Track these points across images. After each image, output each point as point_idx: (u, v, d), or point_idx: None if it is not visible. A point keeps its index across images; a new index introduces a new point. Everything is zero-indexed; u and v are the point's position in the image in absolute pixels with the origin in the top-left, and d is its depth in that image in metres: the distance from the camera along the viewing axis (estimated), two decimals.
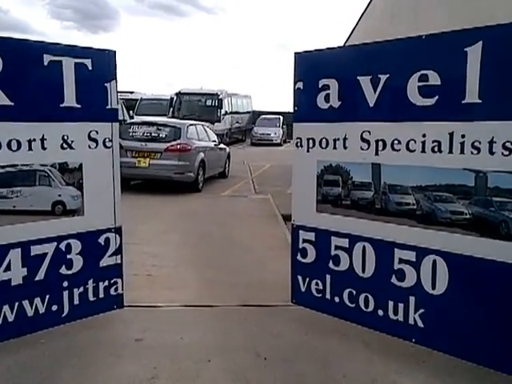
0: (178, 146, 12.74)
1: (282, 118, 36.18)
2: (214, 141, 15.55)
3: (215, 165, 15.27)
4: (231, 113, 31.89)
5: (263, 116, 36.90)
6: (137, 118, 17.13)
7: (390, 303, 4.29)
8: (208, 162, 14.09)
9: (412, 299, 4.15)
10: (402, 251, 4.16)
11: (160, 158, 12.67)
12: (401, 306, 4.22)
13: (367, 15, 17.04)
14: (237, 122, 33.49)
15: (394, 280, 4.23)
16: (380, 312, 4.37)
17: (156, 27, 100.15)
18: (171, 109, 29.81)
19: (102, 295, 4.65)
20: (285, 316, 5.15)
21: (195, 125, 14.38)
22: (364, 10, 17.30)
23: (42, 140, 4.19)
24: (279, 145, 33.95)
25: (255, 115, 37.88)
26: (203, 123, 15.66)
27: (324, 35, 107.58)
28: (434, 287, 4.01)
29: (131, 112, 30.89)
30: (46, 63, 4.15)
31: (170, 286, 6.12)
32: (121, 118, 16.05)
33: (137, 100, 31.77)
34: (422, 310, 4.12)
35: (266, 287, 6.06)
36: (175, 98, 29.93)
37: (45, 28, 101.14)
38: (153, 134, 12.94)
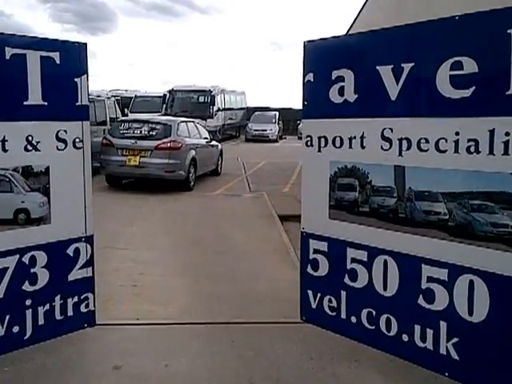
0: (169, 144, 12.19)
1: (277, 113, 35.61)
2: (206, 138, 15.00)
3: (207, 162, 14.71)
4: (224, 109, 31.32)
5: (258, 112, 36.31)
6: (130, 116, 16.45)
7: (417, 328, 3.68)
8: (199, 160, 13.53)
9: (443, 325, 3.53)
10: (432, 268, 3.55)
11: (150, 156, 12.12)
12: (430, 332, 3.61)
13: (368, 7, 16.43)
14: (230, 119, 32.91)
15: (421, 301, 3.62)
16: (404, 337, 3.76)
17: (152, 28, 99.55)
18: (164, 106, 29.26)
19: (70, 313, 4.10)
20: (285, 336, 4.56)
21: (186, 122, 13.83)
22: (364, 3, 16.68)
23: (3, 142, 3.67)
24: (275, 141, 33.37)
25: (250, 111, 37.31)
26: (194, 120, 15.09)
27: (317, 33, 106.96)
28: (471, 313, 3.39)
29: (126, 110, 30.49)
30: (7, 57, 3.64)
31: (155, 298, 5.57)
32: (113, 115, 15.51)
33: (131, 98, 31.25)
34: (455, 339, 3.49)
35: (262, 300, 5.50)
36: (168, 95, 29.37)
37: (46, 31, 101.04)
38: (143, 132, 12.38)
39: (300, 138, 35.93)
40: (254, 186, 14.49)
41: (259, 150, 26.88)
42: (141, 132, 12.38)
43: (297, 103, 45.86)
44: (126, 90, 33.09)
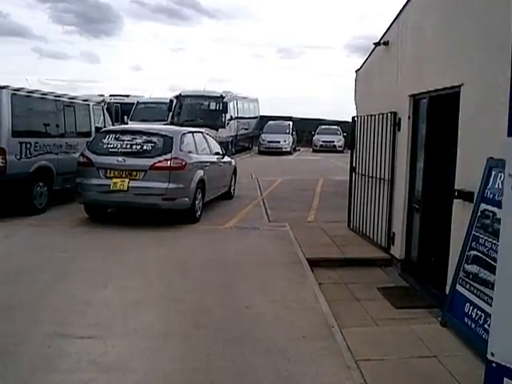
0: (169, 163, 9.31)
1: (291, 123, 32.72)
2: (218, 153, 12.13)
3: (218, 184, 11.83)
4: (237, 118, 28.45)
5: (271, 122, 33.42)
6: (120, 126, 13.43)
7: None
8: (209, 182, 10.66)
9: None
10: None
11: (143, 179, 9.25)
12: None
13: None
14: (243, 128, 30.04)
15: None
16: None
17: (158, 31, 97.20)
18: (171, 113, 26.45)
19: None
20: None
21: (193, 132, 10.92)
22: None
23: None
24: (289, 153, 30.46)
25: (263, 120, 34.46)
26: (203, 130, 12.20)
27: (323, 41, 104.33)
28: None
29: (125, 117, 27.67)
30: None
31: None
32: (99, 124, 12.58)
33: (133, 104, 28.48)
34: None
35: None
36: (175, 101, 26.51)
37: (46, 32, 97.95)
38: (135, 147, 9.51)
39: (314, 151, 33.49)
40: (272, 212, 11.61)
41: (274, 165, 24.01)
42: (132, 146, 9.51)
43: (310, 112, 43.18)
44: (128, 96, 30.25)
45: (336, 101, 78.02)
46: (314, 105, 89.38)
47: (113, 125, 13.74)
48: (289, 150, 30.63)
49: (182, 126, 23.87)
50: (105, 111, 13.48)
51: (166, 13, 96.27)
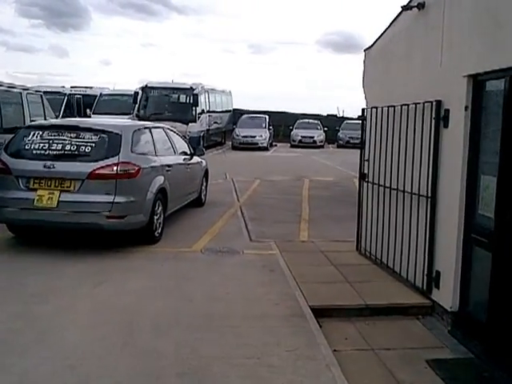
0: (115, 168, 6.76)
1: (267, 117, 30.21)
2: (184, 152, 9.60)
3: (185, 191, 9.31)
4: (209, 111, 25.86)
5: (246, 115, 30.85)
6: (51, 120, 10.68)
7: None
8: (172, 190, 8.14)
9: None
10: None
11: (80, 191, 6.67)
12: None
13: None
14: (215, 123, 27.44)
15: None
16: None
17: (128, 26, 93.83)
18: (136, 106, 23.78)
19: None
20: None
21: (150, 128, 8.34)
22: None
23: None
24: (265, 149, 27.94)
25: (236, 114, 31.88)
26: (164, 125, 9.61)
27: (295, 37, 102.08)
28: None
29: (88, 110, 24.90)
30: None
31: None
32: (37, 118, 9.84)
33: (96, 96, 25.71)
34: None
35: None
36: (140, 92, 23.81)
37: (13, 26, 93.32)
38: (69, 147, 6.90)
39: (293, 146, 31.11)
40: (253, 226, 9.16)
41: (250, 162, 21.54)
42: (64, 147, 6.89)
43: (284, 108, 40.75)
44: (91, 87, 27.37)
45: (310, 96, 76.08)
46: (288, 100, 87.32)
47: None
48: (265, 145, 28.11)
49: (148, 120, 21.34)
50: (45, 101, 10.72)
51: (134, 8, 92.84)
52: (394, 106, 6.12)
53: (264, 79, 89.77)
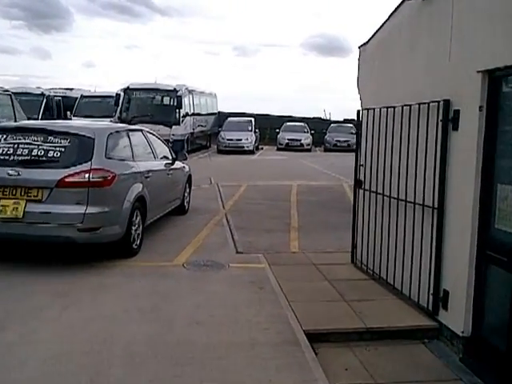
0: (87, 176, 6.11)
1: (253, 120, 29.63)
2: (166, 157, 8.98)
3: (166, 199, 8.68)
4: (193, 114, 25.22)
5: (232, 118, 30.23)
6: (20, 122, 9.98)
7: None
8: (152, 198, 7.52)
9: None
10: None
11: (48, 201, 6.01)
12: None
13: None
14: (200, 125, 26.80)
15: None
16: None
17: (111, 28, 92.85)
18: (118, 109, 23.07)
19: None
20: None
21: (128, 131, 7.71)
22: None
23: None
24: (251, 152, 27.35)
25: (221, 117, 31.25)
26: (144, 128, 8.96)
27: (282, 38, 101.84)
28: None
29: (68, 113, 24.13)
30: None
31: None
32: (5, 120, 9.15)
33: (77, 98, 24.96)
34: None
35: None
36: (122, 95, 23.08)
37: None
38: (36, 152, 6.24)
39: (279, 149, 30.54)
40: (240, 235, 8.56)
41: (236, 166, 20.94)
42: (31, 152, 6.23)
43: (269, 110, 40.18)
44: (71, 89, 26.59)
45: (296, 99, 75.74)
46: (273, 103, 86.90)
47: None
48: (251, 148, 27.51)
49: (130, 122, 20.69)
50: (15, 102, 10.00)
51: (117, 9, 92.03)
52: (394, 107, 5.55)
53: (249, 82, 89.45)
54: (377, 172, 6.09)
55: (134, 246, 6.96)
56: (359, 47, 7.22)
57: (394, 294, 5.58)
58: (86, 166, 6.13)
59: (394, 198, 5.56)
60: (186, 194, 10.13)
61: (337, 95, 77.33)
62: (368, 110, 6.39)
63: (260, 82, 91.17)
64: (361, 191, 6.75)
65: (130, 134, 7.65)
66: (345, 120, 34.77)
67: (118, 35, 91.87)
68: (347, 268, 6.83)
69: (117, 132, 7.21)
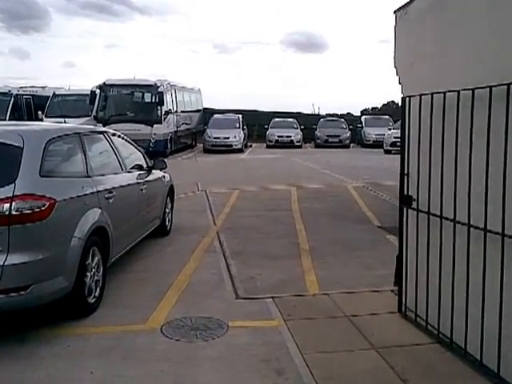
0: (5, 206, 3.87)
1: (241, 116, 27.40)
2: (139, 166, 6.76)
3: (139, 222, 6.45)
4: (176, 111, 22.95)
5: (218, 115, 27.96)
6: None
7: None
8: (117, 226, 5.30)
9: None
10: None
11: None
12: None
13: None
14: (184, 123, 24.52)
15: None
16: None
17: (90, 27, 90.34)
18: (94, 108, 20.79)
19: None
20: None
21: (81, 135, 5.38)
22: None
23: None
24: (240, 151, 25.14)
25: (207, 114, 28.98)
26: (109, 130, 6.68)
27: (261, 35, 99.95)
28: None
29: (40, 113, 21.71)
30: None
31: None
32: None
33: (49, 97, 22.55)
34: None
35: None
36: (98, 92, 20.73)
37: None
38: None
39: (269, 147, 28.38)
40: (238, 267, 6.42)
41: (225, 167, 18.75)
42: None
43: (254, 106, 38.01)
44: (43, 87, 24.15)
45: (279, 95, 73.94)
46: (257, 99, 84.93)
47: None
48: (240, 147, 25.30)
49: (107, 122, 18.44)
50: None
51: (96, 8, 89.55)
52: (473, 90, 3.39)
53: (231, 78, 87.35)
54: (436, 185, 3.96)
55: (90, 299, 4.74)
56: (395, 12, 5.05)
57: (481, 373, 3.39)
58: (4, 192, 3.89)
59: (466, 225, 3.41)
60: (167, 211, 7.91)
61: (320, 90, 75.36)
62: (420, 96, 4.24)
63: (242, 78, 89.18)
64: (410, 212, 4.60)
65: (85, 138, 5.38)
66: (335, 114, 32.86)
67: (98, 34, 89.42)
68: (394, 321, 4.67)
69: (60, 137, 4.93)
